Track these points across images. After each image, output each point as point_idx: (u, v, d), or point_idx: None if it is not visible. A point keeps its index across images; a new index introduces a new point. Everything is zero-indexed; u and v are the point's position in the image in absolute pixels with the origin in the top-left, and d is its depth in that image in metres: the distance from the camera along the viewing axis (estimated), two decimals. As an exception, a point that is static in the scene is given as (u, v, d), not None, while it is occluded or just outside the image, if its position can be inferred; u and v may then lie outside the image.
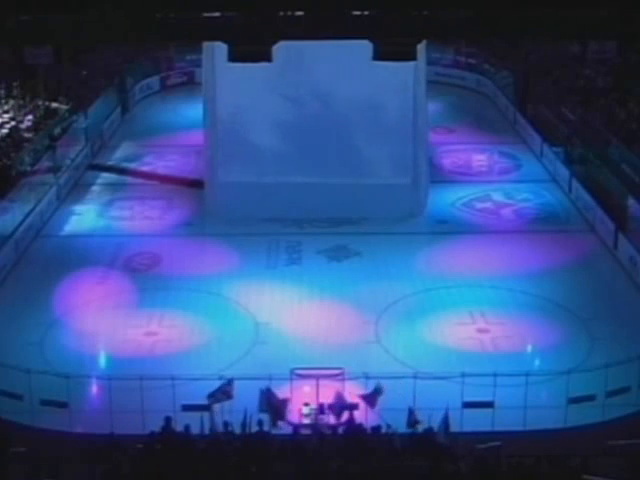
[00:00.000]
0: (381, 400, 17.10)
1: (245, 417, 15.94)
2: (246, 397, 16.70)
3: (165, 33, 16.67)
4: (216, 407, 16.63)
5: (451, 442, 15.26)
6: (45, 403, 17.63)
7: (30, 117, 31.94)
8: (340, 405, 16.89)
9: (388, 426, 15.51)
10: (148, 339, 21.12)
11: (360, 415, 16.71)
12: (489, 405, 17.28)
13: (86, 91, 36.34)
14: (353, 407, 16.86)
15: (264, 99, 27.28)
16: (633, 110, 30.39)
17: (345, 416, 16.68)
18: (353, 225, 27.28)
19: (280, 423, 16.62)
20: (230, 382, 16.93)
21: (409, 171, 27.88)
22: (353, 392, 17.32)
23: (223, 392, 16.79)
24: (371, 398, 16.99)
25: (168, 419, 15.44)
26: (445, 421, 15.85)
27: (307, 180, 27.37)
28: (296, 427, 16.75)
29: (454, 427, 16.07)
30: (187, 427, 15.27)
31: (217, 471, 13.94)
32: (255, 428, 15.62)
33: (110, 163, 34.16)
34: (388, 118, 27.39)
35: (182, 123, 37.00)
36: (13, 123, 31.05)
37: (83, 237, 27.34)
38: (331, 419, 16.91)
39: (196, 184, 29.89)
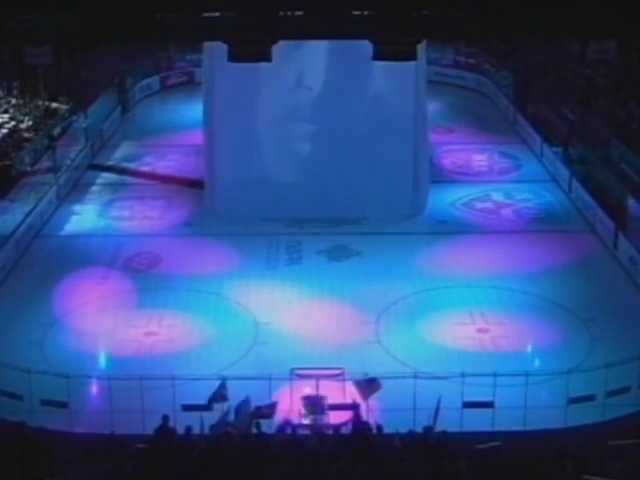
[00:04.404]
0: (380, 400, 17.16)
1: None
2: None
3: (165, 33, 16.68)
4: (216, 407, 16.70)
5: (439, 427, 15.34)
6: (45, 403, 17.61)
7: (30, 117, 31.94)
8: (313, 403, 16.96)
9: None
10: (148, 339, 21.12)
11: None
12: (489, 405, 17.26)
13: (86, 91, 36.32)
14: (356, 407, 16.89)
15: (264, 99, 27.31)
16: (633, 110, 30.38)
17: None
18: (353, 225, 27.27)
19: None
20: (224, 384, 16.93)
21: (409, 171, 27.89)
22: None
23: (220, 395, 16.79)
24: (365, 388, 16.98)
25: (165, 417, 15.43)
26: (437, 409, 15.96)
27: (307, 180, 27.38)
28: (296, 427, 16.76)
29: (454, 427, 16.11)
30: (189, 428, 15.25)
31: (217, 471, 13.94)
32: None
33: (110, 163, 34.16)
34: (388, 118, 27.38)
35: (182, 123, 37.02)
36: (13, 123, 31.07)
37: (83, 237, 27.33)
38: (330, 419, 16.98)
39: (196, 184, 29.90)
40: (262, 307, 22.45)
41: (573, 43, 33.13)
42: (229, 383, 17.04)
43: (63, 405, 17.55)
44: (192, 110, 35.00)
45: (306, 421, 17.16)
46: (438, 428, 15.65)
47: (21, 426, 15.37)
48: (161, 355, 20.35)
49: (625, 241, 24.92)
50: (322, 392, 17.44)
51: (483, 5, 15.44)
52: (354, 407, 16.74)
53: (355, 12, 15.79)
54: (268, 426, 16.40)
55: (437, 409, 16.25)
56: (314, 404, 17.15)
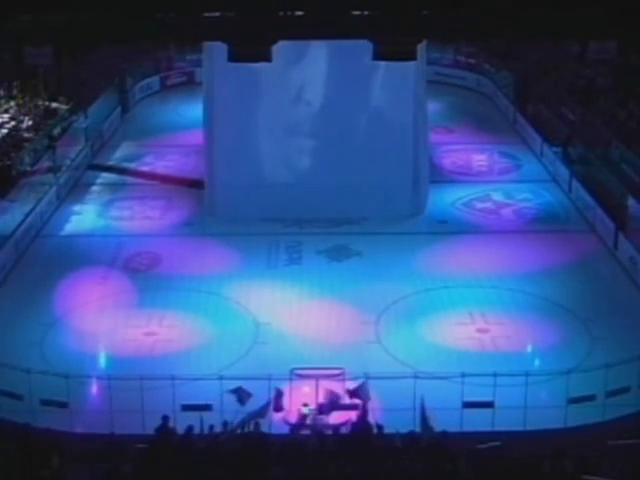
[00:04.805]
0: (380, 400, 17.17)
1: (243, 418, 16.03)
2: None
3: (165, 33, 16.69)
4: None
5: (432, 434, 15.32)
6: (45, 403, 17.63)
7: (30, 117, 31.93)
8: (331, 404, 16.96)
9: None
10: (148, 339, 21.12)
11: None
12: (489, 405, 17.27)
13: (86, 91, 36.32)
14: (353, 407, 16.89)
15: (264, 99, 27.31)
16: (633, 110, 30.37)
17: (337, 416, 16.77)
18: (353, 225, 27.27)
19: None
20: (250, 395, 16.95)
21: (409, 171, 27.88)
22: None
23: (241, 395, 16.85)
24: (362, 393, 17.03)
25: (165, 418, 15.44)
26: (423, 414, 15.95)
27: (307, 180, 27.38)
28: (295, 428, 16.78)
29: (454, 427, 16.10)
30: (190, 428, 15.25)
31: (217, 471, 13.94)
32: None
33: (110, 163, 34.17)
34: (388, 118, 27.38)
35: (182, 123, 37.02)
36: (13, 123, 31.07)
37: (83, 237, 27.33)
38: (330, 419, 16.98)
39: (196, 184, 29.89)
40: (262, 307, 22.44)
41: (573, 43, 33.10)
42: (229, 384, 17.09)
43: (63, 405, 17.56)
44: (192, 110, 35.01)
45: (307, 421, 17.18)
46: (438, 428, 15.67)
47: (25, 427, 15.38)
48: (161, 355, 20.35)
49: (625, 241, 24.91)
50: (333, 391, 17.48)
51: (483, 5, 15.44)
52: (362, 406, 16.76)
53: (355, 12, 15.80)
54: (277, 426, 16.47)
55: (423, 410, 16.24)
56: (331, 404, 17.13)
